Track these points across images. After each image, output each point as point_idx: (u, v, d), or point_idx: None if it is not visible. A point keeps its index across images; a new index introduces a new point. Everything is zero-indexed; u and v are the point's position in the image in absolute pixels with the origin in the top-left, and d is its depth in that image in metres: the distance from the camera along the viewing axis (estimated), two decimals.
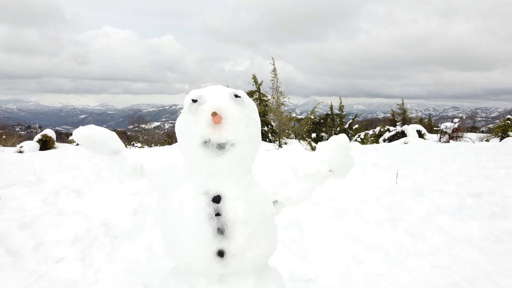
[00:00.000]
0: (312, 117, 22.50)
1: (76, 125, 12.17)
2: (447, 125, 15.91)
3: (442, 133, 15.93)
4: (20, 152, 9.87)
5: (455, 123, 16.16)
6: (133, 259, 2.55)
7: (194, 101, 1.23)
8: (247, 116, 1.25)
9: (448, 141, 15.27)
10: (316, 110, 21.71)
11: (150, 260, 2.56)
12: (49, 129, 11.16)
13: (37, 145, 10.40)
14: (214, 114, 1.18)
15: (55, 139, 10.97)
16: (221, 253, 1.24)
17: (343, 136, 1.50)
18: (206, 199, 1.26)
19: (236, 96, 1.26)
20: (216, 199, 1.26)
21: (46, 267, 2.38)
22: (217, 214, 1.24)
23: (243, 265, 1.28)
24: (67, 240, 2.70)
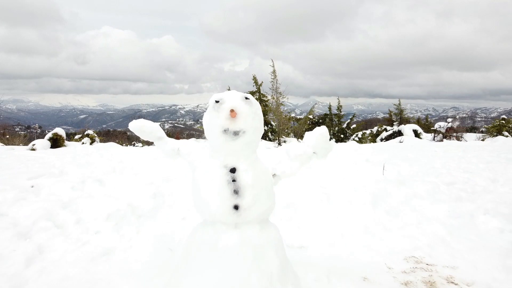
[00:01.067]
0: (310, 116, 23.03)
1: (76, 125, 12.52)
2: (441, 125, 16.48)
3: (436, 132, 16.50)
4: (33, 149, 10.41)
5: (449, 122, 16.72)
6: (157, 232, 3.10)
7: (217, 101, 1.79)
8: (254, 113, 1.81)
9: (441, 140, 15.83)
10: (314, 110, 22.24)
11: (171, 233, 3.10)
12: (59, 128, 11.71)
13: (49, 143, 10.94)
14: (232, 111, 1.74)
15: (65, 137, 11.52)
16: (236, 207, 1.79)
17: (323, 127, 2.06)
18: (225, 170, 1.81)
19: (246, 98, 1.82)
20: (233, 170, 1.81)
21: (88, 236, 2.93)
22: (233, 180, 1.80)
23: (251, 217, 1.83)
24: (101, 217, 3.26)
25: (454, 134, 17.93)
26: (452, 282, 2.23)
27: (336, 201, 3.90)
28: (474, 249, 2.67)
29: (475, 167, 6.22)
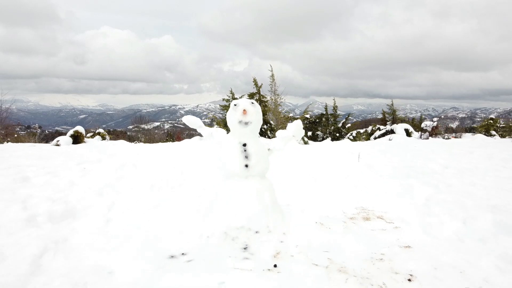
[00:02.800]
0: (307, 116, 24.34)
1: (75, 125, 13.47)
2: (427, 124, 17.81)
3: (423, 131, 17.83)
4: (57, 145, 11.70)
5: (434, 122, 18.04)
6: (188, 193, 4.41)
7: (235, 105, 3.10)
8: (256, 111, 3.12)
9: (427, 138, 17.15)
10: (308, 110, 23.58)
11: (196, 196, 4.41)
12: (79, 126, 13.03)
13: (71, 140, 12.25)
14: (244, 110, 3.05)
15: (84, 134, 12.84)
16: (246, 166, 3.10)
17: (299, 121, 3.38)
18: (240, 145, 3.12)
19: (252, 103, 3.13)
20: (244, 145, 3.12)
21: (145, 194, 4.24)
22: (245, 150, 3.11)
23: (255, 172, 3.14)
24: (146, 186, 4.57)
25: (443, 133, 19.26)
26: (380, 218, 3.53)
27: (319, 180, 5.21)
28: (403, 204, 3.98)
29: (437, 156, 7.54)
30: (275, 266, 2.39)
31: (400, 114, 29.63)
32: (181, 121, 3.72)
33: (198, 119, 3.41)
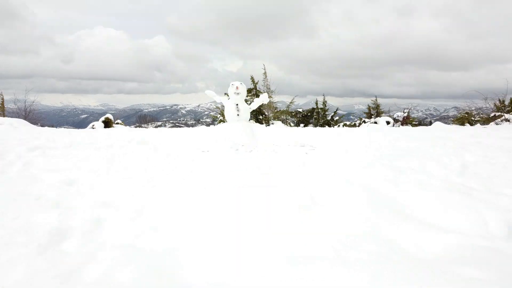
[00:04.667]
0: (300, 110, 27.36)
1: (77, 125, 16.40)
2: (399, 114, 20.83)
3: (395, 120, 20.85)
4: (93, 128, 14.75)
5: (405, 112, 21.07)
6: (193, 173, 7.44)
7: (232, 84, 6.21)
8: (243, 88, 6.27)
9: (399, 127, 20.19)
10: (293, 102, 26.50)
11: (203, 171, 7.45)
12: (109, 114, 16.12)
13: (102, 125, 15.32)
14: (237, 87, 6.16)
15: (113, 121, 15.95)
16: (238, 115, 6.17)
17: (265, 94, 6.46)
18: (234, 104, 6.21)
19: (241, 83, 6.24)
20: (237, 104, 6.21)
21: (167, 163, 7.28)
22: (237, 108, 6.18)
23: (242, 119, 6.23)
24: (166, 162, 7.62)
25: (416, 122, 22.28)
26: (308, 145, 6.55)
27: (309, 165, 8.25)
28: (356, 172, 6.98)
29: (397, 142, 10.56)
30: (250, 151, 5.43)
31: (384, 109, 32.73)
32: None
33: (213, 92, 6.45)
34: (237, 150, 5.63)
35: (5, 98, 18.86)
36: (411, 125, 22.14)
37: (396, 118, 20.78)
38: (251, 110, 6.82)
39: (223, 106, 6.84)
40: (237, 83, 6.41)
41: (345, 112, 30.44)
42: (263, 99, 6.76)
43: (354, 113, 33.21)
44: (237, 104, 6.32)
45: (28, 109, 26.77)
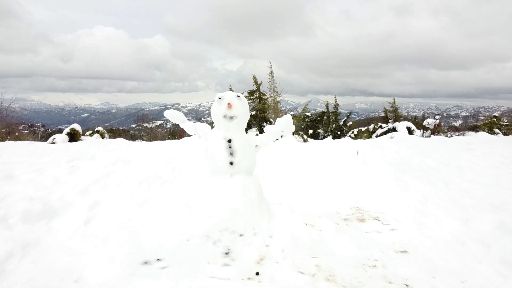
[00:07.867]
0: (308, 114, 24.11)
1: (79, 124, 13.33)
2: (429, 122, 17.54)
3: (425, 129, 17.56)
4: (53, 143, 11.57)
5: (437, 119, 17.76)
6: (177, 191, 4.24)
7: (219, 98, 2.92)
8: (242, 104, 2.94)
9: (430, 136, 16.88)
10: (308, 108, 23.36)
11: (188, 190, 4.24)
12: (76, 124, 12.90)
13: (67, 138, 12.13)
14: (229, 104, 2.87)
15: (82, 133, 12.71)
16: (231, 163, 2.91)
17: (288, 115, 3.19)
18: (225, 140, 2.94)
19: (238, 96, 2.94)
20: (229, 141, 2.94)
21: (132, 192, 4.08)
22: (230, 146, 2.92)
23: (240, 169, 2.96)
24: (135, 183, 4.41)
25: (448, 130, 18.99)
26: (376, 219, 3.34)
27: (316, 179, 5.03)
28: (399, 203, 3.79)
29: (430, 154, 7.33)
30: (257, 273, 2.21)
31: (403, 112, 29.36)
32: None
33: (181, 113, 3.24)
34: (226, 254, 2.45)
35: None
36: (443, 135, 18.83)
37: (426, 125, 17.57)
38: (260, 148, 3.21)
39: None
40: (228, 96, 2.92)
41: (346, 111, 27.16)
42: (284, 124, 3.20)
43: (355, 111, 29.68)
44: (229, 141, 2.94)
45: (4, 113, 23.69)
